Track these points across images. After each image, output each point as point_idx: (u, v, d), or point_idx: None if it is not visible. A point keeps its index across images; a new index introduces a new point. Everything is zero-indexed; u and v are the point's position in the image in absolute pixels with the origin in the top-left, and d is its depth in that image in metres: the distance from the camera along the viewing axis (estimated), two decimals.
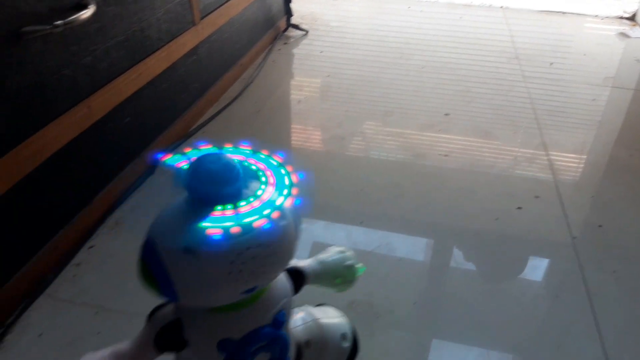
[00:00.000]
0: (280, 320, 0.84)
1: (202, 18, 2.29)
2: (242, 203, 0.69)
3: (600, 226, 1.79)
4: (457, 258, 1.67)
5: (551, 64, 3.07)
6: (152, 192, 1.87)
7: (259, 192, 0.72)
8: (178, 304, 0.81)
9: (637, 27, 3.81)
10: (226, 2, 2.51)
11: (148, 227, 0.73)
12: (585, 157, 2.24)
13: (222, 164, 0.69)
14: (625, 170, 2.11)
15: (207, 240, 0.66)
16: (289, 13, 3.41)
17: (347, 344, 1.13)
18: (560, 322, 1.43)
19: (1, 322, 1.37)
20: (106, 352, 0.83)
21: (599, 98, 2.73)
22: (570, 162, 2.17)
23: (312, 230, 1.75)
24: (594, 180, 2.07)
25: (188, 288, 0.70)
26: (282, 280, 0.87)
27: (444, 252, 1.69)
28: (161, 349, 0.83)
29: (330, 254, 1.03)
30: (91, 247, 1.64)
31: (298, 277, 0.93)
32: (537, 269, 1.62)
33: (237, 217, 0.67)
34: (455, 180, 2.01)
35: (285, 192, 0.72)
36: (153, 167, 1.98)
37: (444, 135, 2.31)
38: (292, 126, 2.47)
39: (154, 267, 0.71)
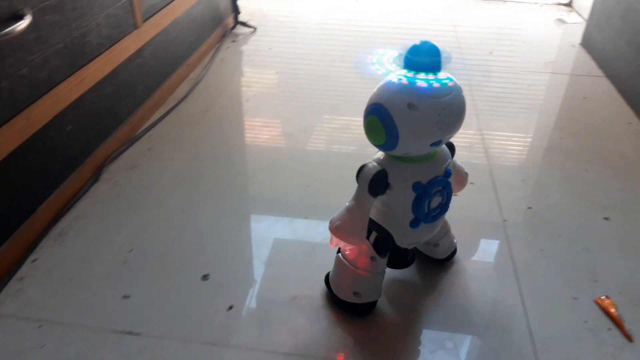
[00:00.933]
0: (448, 172, 1.29)
1: (145, 20, 2.31)
2: (439, 74, 1.15)
3: (529, 208, 1.91)
4: None
5: (490, 52, 3.20)
6: (96, 201, 1.89)
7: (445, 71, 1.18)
8: (384, 157, 1.26)
9: (573, 12, 3.98)
10: (170, 2, 2.53)
11: (372, 97, 1.17)
12: (518, 141, 2.36)
13: (431, 44, 1.15)
14: (556, 153, 2.24)
15: (424, 92, 1.11)
16: (236, 10, 3.43)
17: (455, 241, 1.64)
18: (490, 302, 1.54)
19: None
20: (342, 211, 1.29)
21: (535, 84, 2.86)
22: (505, 148, 2.29)
23: (258, 227, 1.81)
24: (526, 163, 2.19)
25: (407, 135, 1.14)
26: (444, 148, 1.32)
27: None
28: (373, 193, 1.24)
29: None
30: (34, 260, 1.63)
31: (452, 148, 1.37)
32: (469, 252, 1.72)
33: (439, 80, 1.14)
34: None
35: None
36: (98, 174, 2.00)
37: None
38: (241, 124, 2.51)
39: (386, 122, 1.13)
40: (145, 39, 2.31)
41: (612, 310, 1.50)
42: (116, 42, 2.08)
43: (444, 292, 1.56)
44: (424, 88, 1.12)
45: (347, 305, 1.45)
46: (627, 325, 1.46)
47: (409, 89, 1.12)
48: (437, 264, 1.65)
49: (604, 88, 2.80)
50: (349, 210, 1.27)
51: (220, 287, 1.55)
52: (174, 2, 2.55)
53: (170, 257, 1.66)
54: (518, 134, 2.41)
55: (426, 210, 1.28)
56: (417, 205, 1.26)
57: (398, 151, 1.19)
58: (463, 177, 1.51)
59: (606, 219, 1.85)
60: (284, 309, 1.49)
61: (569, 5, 4.12)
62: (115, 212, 1.84)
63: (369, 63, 1.24)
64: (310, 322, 1.45)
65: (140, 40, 2.26)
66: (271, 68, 3.03)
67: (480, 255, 1.72)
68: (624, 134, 2.38)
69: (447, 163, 1.29)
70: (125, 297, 1.52)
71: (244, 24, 3.46)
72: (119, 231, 1.76)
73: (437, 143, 1.20)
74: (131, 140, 2.23)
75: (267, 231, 1.79)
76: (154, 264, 1.64)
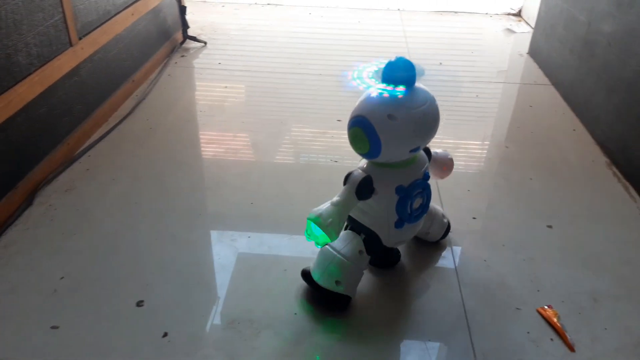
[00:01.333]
0: (427, 175, 1.46)
1: (81, 38, 2.23)
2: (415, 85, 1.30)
3: (474, 218, 1.90)
4: None
5: (440, 63, 3.22)
6: (28, 227, 1.80)
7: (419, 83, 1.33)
8: (368, 164, 1.39)
9: (522, 22, 4.07)
10: (109, 19, 2.46)
11: (355, 110, 1.30)
12: (465, 152, 2.37)
13: (405, 60, 1.28)
14: (502, 162, 2.26)
15: (402, 104, 1.26)
16: (185, 25, 3.38)
17: (446, 220, 1.73)
18: (432, 314, 1.51)
19: None
20: (328, 205, 1.36)
21: (483, 94, 2.89)
22: None
23: (197, 248, 1.75)
24: (471, 174, 2.20)
25: (389, 143, 1.27)
26: (422, 153, 1.46)
27: None
28: (360, 197, 1.36)
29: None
30: None
31: (428, 153, 1.51)
32: (412, 265, 1.69)
33: (413, 91, 1.29)
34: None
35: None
36: (31, 198, 1.91)
37: (335, 141, 2.37)
38: (187, 141, 2.45)
39: (369, 132, 1.26)
40: (82, 57, 2.23)
41: (555, 319, 1.49)
42: (48, 62, 2.00)
43: (384, 304, 1.53)
44: (401, 100, 1.26)
45: (327, 294, 1.47)
46: (570, 335, 1.45)
47: (388, 101, 1.26)
48: (382, 281, 1.62)
49: (550, 96, 2.84)
50: (336, 205, 1.35)
51: (154, 314, 1.49)
52: (114, 18, 2.48)
53: (103, 284, 1.59)
54: (465, 144, 2.42)
55: (409, 211, 1.42)
56: (400, 207, 1.40)
57: (381, 158, 1.33)
58: (448, 165, 1.62)
59: (549, 227, 1.86)
60: (221, 334, 1.43)
61: (518, 15, 4.21)
62: (47, 237, 1.76)
63: (350, 79, 1.40)
64: (247, 348, 1.39)
65: (76, 59, 2.19)
66: (221, 82, 2.99)
67: (424, 267, 1.70)
68: (569, 141, 2.41)
69: (425, 167, 1.45)
70: (54, 327, 1.44)
71: (193, 38, 3.41)
72: (50, 258, 1.67)
73: (416, 149, 1.35)
74: (68, 162, 2.15)
75: (206, 252, 1.73)
76: (85, 291, 1.56)
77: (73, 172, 2.10)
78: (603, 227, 1.87)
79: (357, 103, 1.31)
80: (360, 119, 1.28)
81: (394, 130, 1.26)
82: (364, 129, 1.27)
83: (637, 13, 2.13)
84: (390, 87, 1.28)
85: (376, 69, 1.33)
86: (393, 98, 1.26)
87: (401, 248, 1.73)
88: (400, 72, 1.28)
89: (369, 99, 1.29)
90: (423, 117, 1.29)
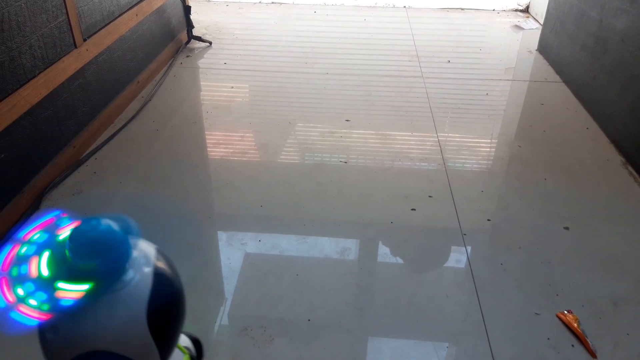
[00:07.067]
0: None
1: (86, 39, 2.20)
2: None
3: (489, 220, 1.87)
4: (353, 269, 1.68)
5: (448, 60, 3.17)
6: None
7: None
8: None
9: (530, 18, 4.01)
10: (113, 20, 2.42)
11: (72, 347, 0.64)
12: (476, 151, 2.33)
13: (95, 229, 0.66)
14: (515, 162, 2.21)
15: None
16: (189, 25, 3.34)
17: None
18: (450, 320, 1.48)
19: None
20: None
21: (493, 92, 2.85)
22: (463, 159, 2.25)
23: (206, 252, 1.72)
24: (484, 174, 2.16)
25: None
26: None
27: (339, 266, 1.70)
28: None
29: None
30: None
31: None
32: (428, 268, 1.66)
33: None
34: (353, 187, 2.03)
35: None
36: (38, 202, 1.88)
37: (344, 141, 2.33)
38: (194, 142, 2.41)
39: None
40: (87, 58, 2.20)
41: (575, 325, 1.45)
42: (53, 64, 1.97)
43: (399, 309, 1.50)
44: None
45: None
46: (591, 341, 1.41)
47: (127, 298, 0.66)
48: (393, 287, 1.58)
49: (561, 93, 2.80)
50: None
51: None
52: (118, 19, 2.45)
53: None
54: (477, 143, 2.37)
55: None
56: None
57: None
58: None
59: (566, 228, 1.82)
60: (234, 341, 1.40)
61: (525, 11, 4.16)
62: None
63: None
64: (261, 355, 1.36)
65: (81, 60, 2.15)
66: (227, 83, 2.95)
67: (440, 272, 1.66)
68: (582, 140, 2.37)
69: None
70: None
71: (198, 38, 3.37)
72: None
73: None
74: (75, 165, 2.11)
75: (216, 256, 1.70)
76: None
77: (80, 175, 2.07)
78: (621, 228, 1.83)
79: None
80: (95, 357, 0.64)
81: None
82: None
83: None
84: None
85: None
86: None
87: (417, 252, 1.69)
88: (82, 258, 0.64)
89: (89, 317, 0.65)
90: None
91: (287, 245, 1.74)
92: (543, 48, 3.31)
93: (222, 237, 1.80)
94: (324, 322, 1.46)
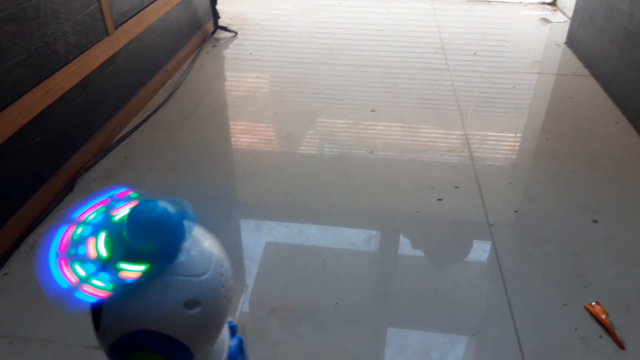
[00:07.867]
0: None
1: (117, 27, 2.23)
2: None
3: (516, 211, 1.86)
4: (379, 257, 1.70)
5: (474, 53, 3.15)
6: (70, 212, 1.81)
7: None
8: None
9: (557, 11, 3.96)
10: (143, 9, 2.46)
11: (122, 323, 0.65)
12: (503, 144, 2.32)
13: (156, 212, 0.66)
14: (543, 155, 2.20)
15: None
16: (215, 15, 3.36)
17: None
18: (477, 310, 1.48)
19: None
20: None
21: (521, 84, 2.82)
22: (489, 151, 2.24)
23: (235, 237, 1.75)
24: (511, 166, 2.14)
25: (198, 340, 0.71)
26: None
27: (365, 254, 1.71)
28: None
29: None
30: (5, 274, 1.58)
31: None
32: (455, 259, 1.66)
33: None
34: (379, 176, 2.04)
35: None
36: (71, 185, 1.92)
37: (369, 132, 2.34)
38: (221, 131, 2.44)
39: (169, 350, 0.69)
40: (118, 46, 2.23)
41: (603, 316, 1.45)
42: (85, 50, 2.01)
43: (425, 298, 1.50)
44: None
45: None
46: (619, 332, 1.40)
47: (180, 284, 0.67)
48: (420, 275, 1.59)
49: (590, 87, 2.76)
50: None
51: None
52: (147, 8, 2.48)
53: None
54: (503, 136, 2.36)
55: None
56: None
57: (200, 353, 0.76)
58: None
59: (594, 222, 1.80)
60: (263, 322, 1.42)
61: (553, 4, 4.10)
62: None
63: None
64: (289, 336, 1.38)
65: (112, 48, 2.19)
66: (252, 73, 2.97)
67: (466, 261, 1.66)
68: (611, 134, 2.34)
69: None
70: None
71: (224, 28, 3.40)
72: None
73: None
74: (106, 149, 2.16)
75: (245, 241, 1.72)
76: None
77: (111, 159, 2.11)
78: None
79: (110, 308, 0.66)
80: (145, 335, 0.67)
81: (198, 321, 0.69)
82: (161, 350, 0.68)
83: None
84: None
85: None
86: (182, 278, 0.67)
87: (443, 242, 1.70)
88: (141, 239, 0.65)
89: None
90: (228, 283, 0.73)
91: (314, 232, 1.76)
92: (571, 41, 3.27)
93: (250, 223, 1.83)
94: (350, 309, 1.48)
